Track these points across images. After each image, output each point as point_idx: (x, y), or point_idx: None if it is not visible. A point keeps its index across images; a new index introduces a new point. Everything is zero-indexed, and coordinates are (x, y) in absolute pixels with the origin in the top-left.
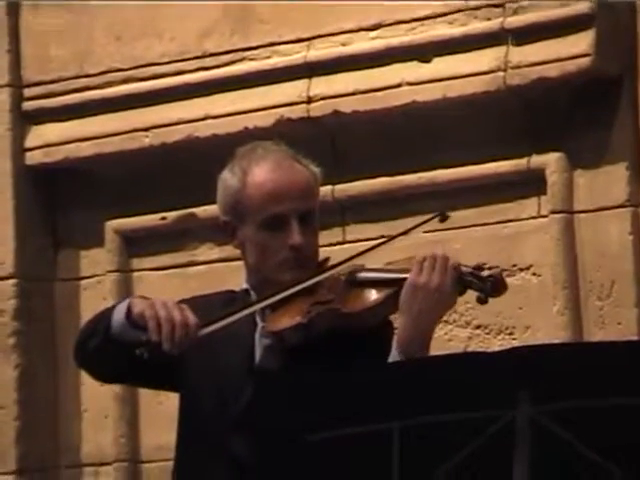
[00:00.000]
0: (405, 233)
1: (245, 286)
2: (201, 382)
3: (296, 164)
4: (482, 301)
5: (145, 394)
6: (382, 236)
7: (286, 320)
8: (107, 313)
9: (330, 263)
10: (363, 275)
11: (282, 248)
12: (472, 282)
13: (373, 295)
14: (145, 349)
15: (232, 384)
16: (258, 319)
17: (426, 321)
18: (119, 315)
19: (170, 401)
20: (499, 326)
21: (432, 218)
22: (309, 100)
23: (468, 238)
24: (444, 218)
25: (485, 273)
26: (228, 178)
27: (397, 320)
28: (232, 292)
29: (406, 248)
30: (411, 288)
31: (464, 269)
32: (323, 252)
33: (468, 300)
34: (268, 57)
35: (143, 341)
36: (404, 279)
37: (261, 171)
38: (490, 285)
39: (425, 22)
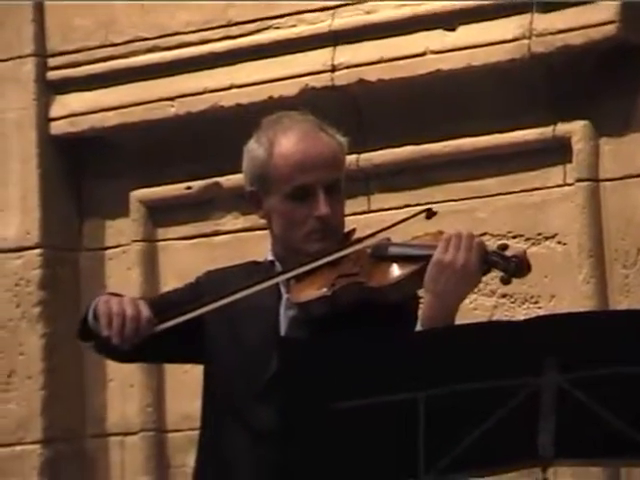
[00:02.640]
0: (388, 228)
1: (270, 257)
2: (226, 354)
3: (322, 134)
4: (505, 281)
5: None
6: (407, 205)
7: (311, 292)
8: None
9: (356, 234)
10: (389, 250)
11: (308, 218)
12: (497, 262)
13: (398, 271)
14: (96, 344)
15: (257, 355)
16: (283, 290)
17: (451, 299)
18: (90, 312)
19: (195, 370)
20: (524, 295)
21: (418, 214)
22: (334, 69)
23: (493, 207)
24: (431, 214)
25: (509, 253)
26: (254, 149)
27: (422, 297)
28: (256, 263)
29: (437, 216)
30: (436, 266)
31: (489, 248)
32: (347, 221)
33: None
34: (293, 26)
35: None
36: (430, 256)
37: (288, 142)
38: (514, 265)
39: None
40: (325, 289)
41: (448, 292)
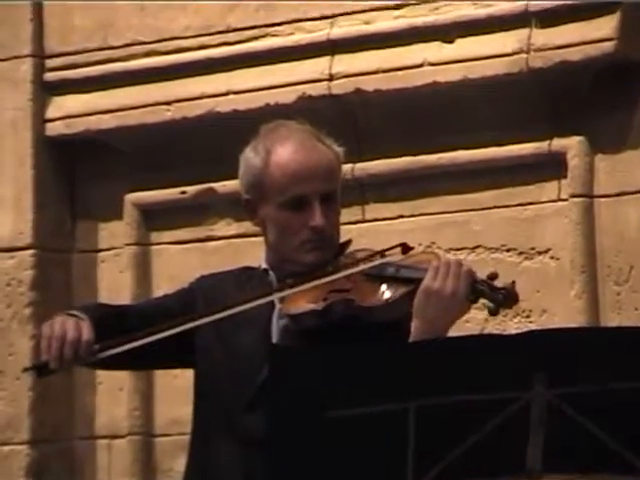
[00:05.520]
0: (369, 258)
1: (264, 265)
2: (217, 361)
3: (319, 145)
4: (493, 312)
5: None
6: (401, 216)
7: (302, 304)
8: None
9: (351, 246)
10: (383, 269)
11: (303, 229)
12: (485, 292)
13: (389, 292)
14: (34, 367)
15: (248, 363)
16: (276, 300)
17: (438, 326)
18: None
19: (185, 375)
20: (516, 309)
21: (394, 247)
22: (331, 78)
23: (488, 220)
24: (406, 249)
25: (498, 284)
26: (251, 157)
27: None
28: (250, 269)
29: (430, 229)
30: (424, 293)
31: (477, 278)
32: (342, 230)
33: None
34: (291, 34)
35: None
36: (422, 279)
37: (284, 151)
38: (502, 297)
39: (449, 2)
40: (316, 303)
41: (436, 319)
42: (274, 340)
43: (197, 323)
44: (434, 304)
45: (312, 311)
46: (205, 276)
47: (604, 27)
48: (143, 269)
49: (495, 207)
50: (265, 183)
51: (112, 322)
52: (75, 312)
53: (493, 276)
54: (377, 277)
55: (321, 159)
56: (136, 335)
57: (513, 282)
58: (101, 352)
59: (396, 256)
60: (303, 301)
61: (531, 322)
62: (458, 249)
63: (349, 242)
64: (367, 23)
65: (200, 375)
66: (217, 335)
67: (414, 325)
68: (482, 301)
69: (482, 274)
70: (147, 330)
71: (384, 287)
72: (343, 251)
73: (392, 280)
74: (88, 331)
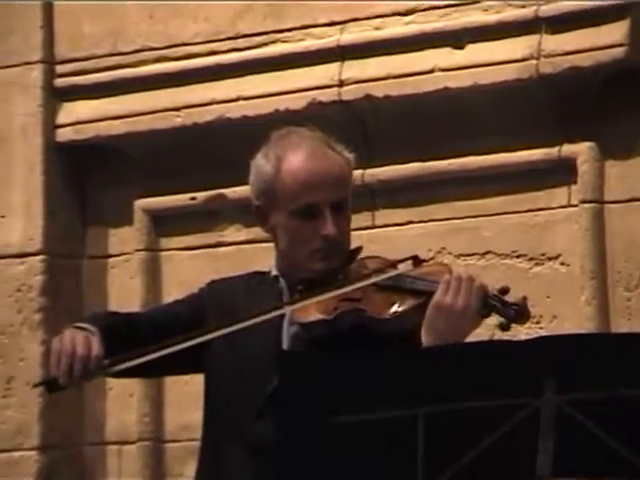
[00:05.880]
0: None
1: (274, 272)
2: (227, 367)
3: (330, 152)
4: (505, 328)
5: None
6: (411, 222)
7: (313, 312)
8: None
9: (362, 253)
10: (394, 280)
11: (314, 237)
12: (497, 307)
13: (399, 304)
14: (43, 383)
15: (258, 370)
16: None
17: (449, 340)
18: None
19: (195, 381)
20: None
21: (406, 260)
22: (341, 83)
23: (498, 226)
24: (418, 262)
25: (510, 299)
26: (262, 164)
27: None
28: (260, 273)
29: (440, 234)
30: (436, 308)
31: (489, 292)
32: (352, 236)
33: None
34: (301, 39)
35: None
36: (433, 292)
37: (296, 159)
38: (514, 313)
39: (459, 8)
40: (327, 312)
41: (447, 333)
42: (284, 347)
43: (208, 337)
44: (445, 319)
45: (322, 320)
46: (215, 281)
47: (614, 33)
48: (153, 275)
49: (505, 213)
50: (276, 191)
51: (123, 333)
52: (85, 325)
53: (505, 290)
54: (388, 288)
55: (332, 167)
56: (146, 350)
57: (524, 297)
58: (111, 367)
59: (407, 267)
60: (314, 309)
61: (541, 328)
62: (468, 255)
63: (360, 249)
64: (377, 29)
65: (210, 381)
66: (227, 341)
67: (424, 339)
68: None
69: (492, 279)
70: (157, 345)
71: (395, 298)
72: (354, 258)
73: (403, 292)
74: (97, 346)
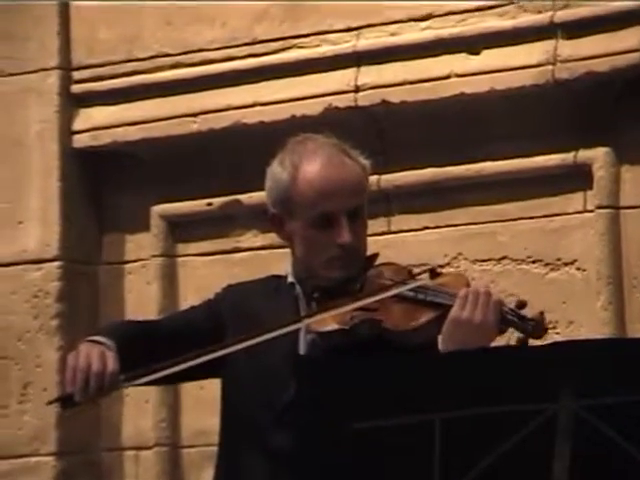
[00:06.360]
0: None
1: (290, 279)
2: (245, 375)
3: (347, 159)
4: (522, 342)
5: None
6: (426, 227)
7: (329, 321)
8: None
9: (378, 259)
10: (412, 291)
11: (331, 246)
12: (514, 322)
13: (416, 316)
14: (59, 400)
15: (276, 378)
16: (303, 313)
17: None
18: None
19: (212, 386)
20: None
21: (422, 272)
22: (357, 89)
23: (514, 231)
24: (434, 275)
25: (527, 314)
26: (278, 171)
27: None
28: (277, 277)
29: (456, 240)
30: (453, 323)
31: (506, 308)
32: (368, 241)
33: (512, 292)
34: (317, 45)
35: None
36: (451, 306)
37: (312, 167)
38: (531, 328)
39: (475, 14)
40: (344, 321)
41: (464, 347)
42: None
43: (224, 352)
44: (462, 333)
45: (339, 330)
46: (232, 285)
47: (630, 38)
48: (170, 281)
49: (521, 218)
50: (292, 199)
51: (139, 344)
52: (100, 339)
53: (522, 304)
54: (405, 299)
55: (349, 175)
56: (163, 365)
57: (541, 312)
58: (126, 382)
59: (424, 279)
60: (330, 318)
61: (557, 333)
62: (484, 260)
63: (376, 256)
64: (393, 35)
65: (228, 388)
66: (245, 349)
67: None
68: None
69: (508, 285)
70: (173, 360)
71: (412, 310)
72: (370, 266)
73: (420, 304)
74: (113, 362)
